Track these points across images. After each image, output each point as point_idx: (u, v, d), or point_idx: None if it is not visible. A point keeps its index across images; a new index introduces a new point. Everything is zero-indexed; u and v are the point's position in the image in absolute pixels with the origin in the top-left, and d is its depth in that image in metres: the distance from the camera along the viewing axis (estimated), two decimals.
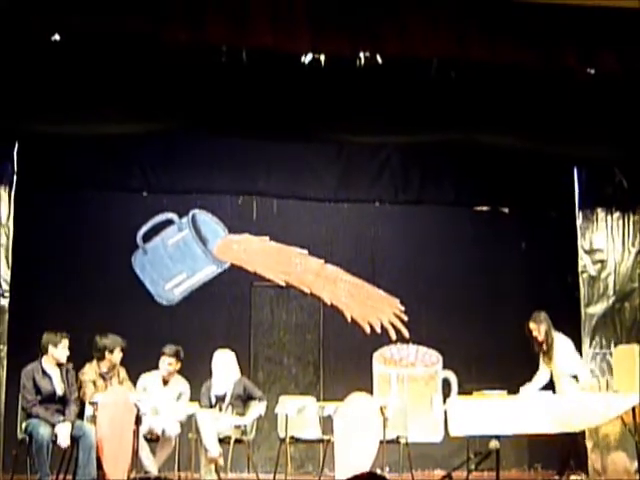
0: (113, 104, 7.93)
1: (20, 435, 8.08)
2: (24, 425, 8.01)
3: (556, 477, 8.94)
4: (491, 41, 7.92)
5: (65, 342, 8.12)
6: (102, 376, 8.57)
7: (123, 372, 8.75)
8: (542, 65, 8.00)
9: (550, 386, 8.98)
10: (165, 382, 8.78)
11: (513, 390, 8.82)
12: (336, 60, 7.77)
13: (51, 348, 8.07)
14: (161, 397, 8.63)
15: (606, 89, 8.18)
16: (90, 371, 8.49)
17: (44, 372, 8.05)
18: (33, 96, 7.76)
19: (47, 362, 8.09)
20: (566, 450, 9.03)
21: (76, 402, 8.13)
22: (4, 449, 8.62)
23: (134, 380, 8.68)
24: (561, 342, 9.01)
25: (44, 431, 7.76)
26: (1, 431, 8.68)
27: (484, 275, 10.43)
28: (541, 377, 9.03)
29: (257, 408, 8.71)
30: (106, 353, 8.58)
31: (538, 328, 8.97)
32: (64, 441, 7.80)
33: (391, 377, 10.35)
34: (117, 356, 8.63)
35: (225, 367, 8.83)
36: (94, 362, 8.57)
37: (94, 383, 8.47)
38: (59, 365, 8.11)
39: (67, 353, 8.15)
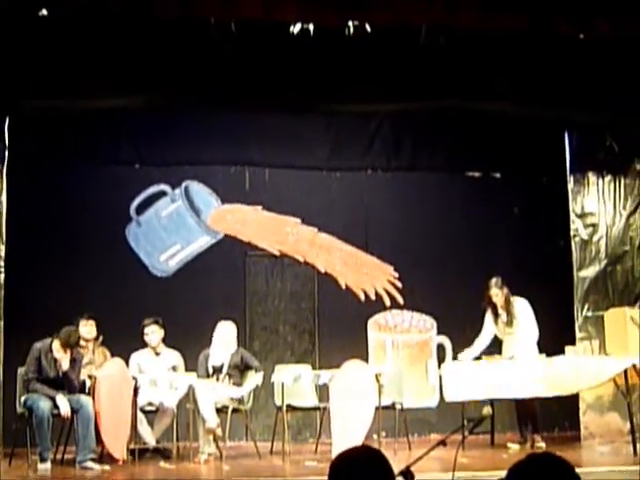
0: (103, 78, 7.95)
1: (20, 409, 8.16)
2: (23, 399, 8.08)
3: (516, 445, 8.97)
4: (480, 6, 7.91)
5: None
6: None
7: (107, 352, 8.87)
8: (532, 30, 7.99)
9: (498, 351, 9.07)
10: (157, 354, 8.87)
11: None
12: (325, 30, 7.77)
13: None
14: (157, 368, 8.72)
15: (596, 54, 8.19)
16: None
17: (52, 354, 8.04)
18: (23, 72, 7.77)
19: (57, 344, 8.03)
20: (522, 416, 9.08)
21: (76, 381, 8.14)
22: (3, 423, 8.68)
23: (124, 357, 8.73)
24: (523, 307, 8.98)
25: (44, 405, 7.83)
26: (0, 405, 8.74)
27: (477, 240, 10.47)
28: (483, 342, 9.02)
29: (254, 379, 8.77)
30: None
31: (501, 293, 8.98)
32: (66, 410, 7.86)
33: (386, 343, 10.42)
34: (82, 329, 8.70)
35: (224, 338, 8.88)
36: None
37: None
38: (71, 350, 8.09)
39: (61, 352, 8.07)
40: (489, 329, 9.05)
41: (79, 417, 7.92)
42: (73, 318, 8.67)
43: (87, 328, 8.83)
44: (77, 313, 8.80)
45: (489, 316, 9.05)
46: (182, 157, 10.13)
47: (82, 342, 8.67)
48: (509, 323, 8.94)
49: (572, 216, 10.02)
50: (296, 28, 7.68)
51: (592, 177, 10.01)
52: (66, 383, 8.03)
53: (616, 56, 8.22)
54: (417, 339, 10.49)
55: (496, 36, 8.07)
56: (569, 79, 8.39)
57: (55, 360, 8.03)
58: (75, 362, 8.11)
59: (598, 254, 9.91)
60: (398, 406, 9.06)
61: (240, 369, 8.83)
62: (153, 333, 8.84)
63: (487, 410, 5.26)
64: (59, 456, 8.32)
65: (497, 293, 8.97)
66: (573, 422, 9.82)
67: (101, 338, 8.95)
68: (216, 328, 8.93)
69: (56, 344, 7.99)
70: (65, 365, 8.01)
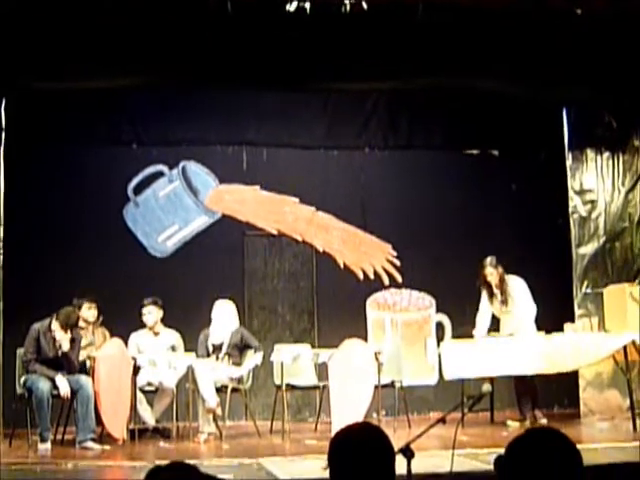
0: (100, 58, 7.89)
1: (19, 390, 8.15)
2: (23, 380, 8.07)
3: (516, 422, 8.97)
4: None
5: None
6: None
7: (106, 333, 8.84)
8: (529, 6, 7.93)
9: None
10: (155, 334, 8.86)
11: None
12: (321, 7, 7.71)
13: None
14: (156, 349, 8.71)
15: (594, 30, 8.12)
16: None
17: (51, 334, 8.03)
18: (20, 52, 7.70)
19: (56, 325, 8.04)
20: (521, 393, 9.08)
21: (76, 361, 8.15)
22: (3, 404, 8.68)
23: (123, 338, 8.72)
24: (518, 285, 8.97)
25: (44, 385, 7.83)
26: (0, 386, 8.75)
27: (475, 218, 10.44)
28: (485, 320, 9.02)
29: (253, 358, 8.77)
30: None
31: (495, 272, 8.95)
32: (66, 390, 7.86)
33: (385, 322, 10.42)
34: (86, 312, 8.69)
35: (224, 317, 8.87)
36: None
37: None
38: (71, 330, 8.09)
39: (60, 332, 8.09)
40: (485, 309, 9.04)
41: (79, 397, 7.92)
42: (72, 299, 8.66)
43: (91, 312, 8.82)
44: (76, 294, 8.78)
45: (484, 295, 9.05)
46: (180, 137, 10.12)
47: (82, 324, 8.67)
48: (504, 302, 8.93)
49: (570, 193, 9.98)
50: (292, 6, 7.62)
51: (590, 153, 9.97)
52: (65, 363, 8.03)
53: (613, 31, 8.16)
54: (416, 317, 10.49)
55: (493, 13, 7.99)
56: (566, 55, 8.33)
57: (54, 340, 8.01)
58: (74, 342, 8.10)
59: (597, 231, 9.88)
60: (397, 384, 9.06)
61: (240, 348, 8.83)
62: (150, 313, 8.82)
63: (486, 387, 5.25)
64: (59, 436, 8.33)
65: (492, 272, 8.95)
66: (573, 399, 9.82)
67: (101, 319, 8.95)
68: (214, 307, 8.92)
69: (55, 325, 7.98)
70: (65, 345, 8.00)
